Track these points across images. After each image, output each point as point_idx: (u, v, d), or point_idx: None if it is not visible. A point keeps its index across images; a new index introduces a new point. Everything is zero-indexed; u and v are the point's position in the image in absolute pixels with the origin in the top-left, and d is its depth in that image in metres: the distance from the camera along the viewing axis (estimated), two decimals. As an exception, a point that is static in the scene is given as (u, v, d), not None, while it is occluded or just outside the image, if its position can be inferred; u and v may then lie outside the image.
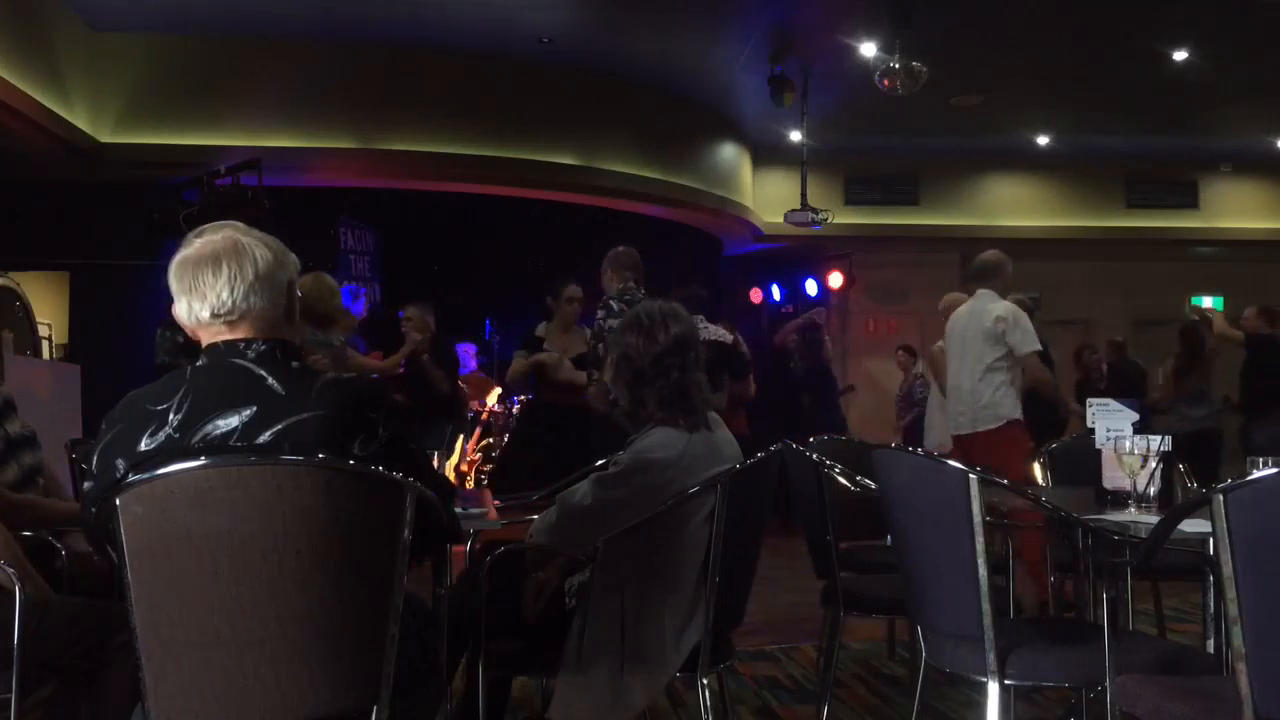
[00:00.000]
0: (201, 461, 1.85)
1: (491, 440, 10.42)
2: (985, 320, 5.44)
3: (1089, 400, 3.27)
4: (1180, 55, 9.20)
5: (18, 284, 6.71)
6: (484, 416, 10.49)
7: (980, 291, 5.57)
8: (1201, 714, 2.01)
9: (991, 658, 2.42)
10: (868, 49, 8.48)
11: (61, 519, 2.84)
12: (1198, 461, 5.52)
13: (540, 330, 6.28)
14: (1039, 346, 5.49)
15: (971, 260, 5.78)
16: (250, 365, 1.99)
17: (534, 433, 6.44)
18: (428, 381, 6.50)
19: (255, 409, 1.93)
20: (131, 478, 1.86)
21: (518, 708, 3.69)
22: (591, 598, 2.65)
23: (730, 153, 11.82)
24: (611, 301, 5.36)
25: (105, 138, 8.65)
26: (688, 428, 2.76)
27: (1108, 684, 2.37)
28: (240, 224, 2.08)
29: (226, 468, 1.85)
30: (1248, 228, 13.15)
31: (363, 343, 7.21)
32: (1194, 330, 8.20)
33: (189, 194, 7.87)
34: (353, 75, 9.21)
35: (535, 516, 2.95)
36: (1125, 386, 8.38)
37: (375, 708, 1.93)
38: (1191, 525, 2.18)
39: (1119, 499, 2.78)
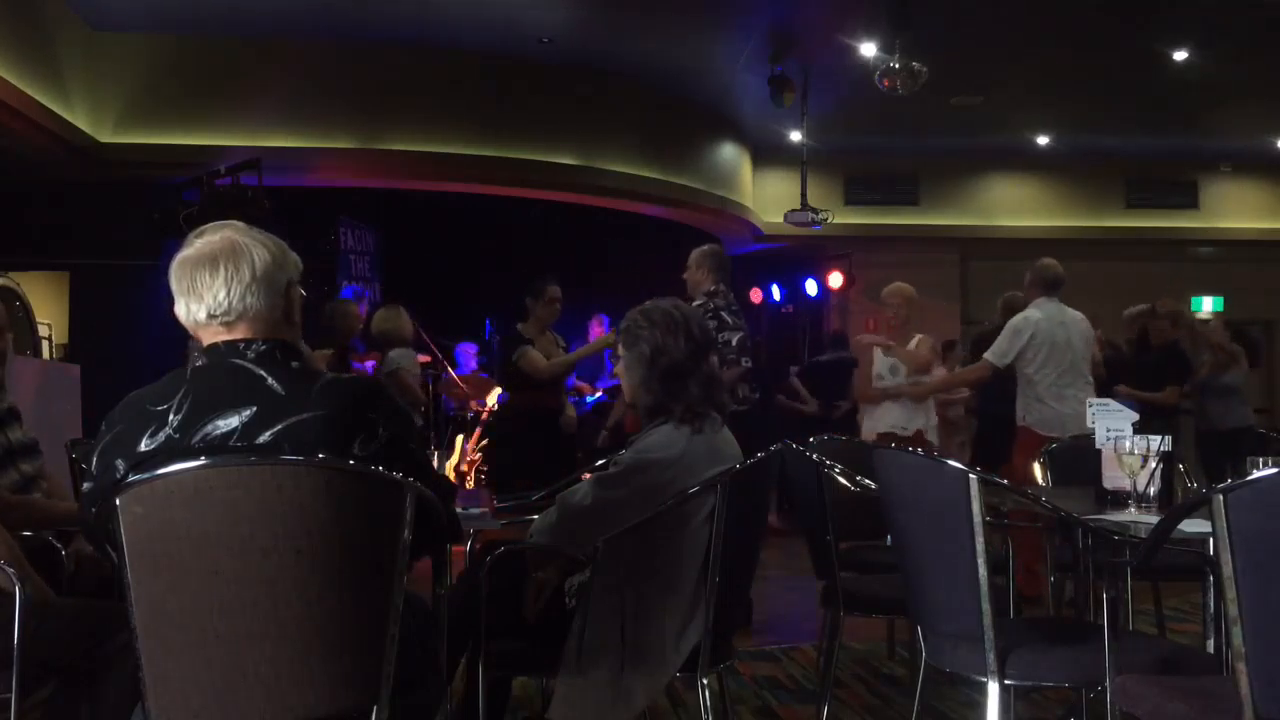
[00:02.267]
0: (201, 461, 1.85)
1: (492, 440, 10.41)
2: (1084, 329, 5.76)
3: (1089, 400, 3.27)
4: (1180, 55, 9.19)
5: (18, 284, 6.71)
6: (484, 416, 10.49)
7: (1051, 299, 5.77)
8: (1201, 714, 2.01)
9: (991, 658, 2.42)
10: (868, 49, 8.47)
11: (60, 519, 2.84)
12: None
13: (522, 329, 6.18)
14: None
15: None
16: (250, 365, 1.99)
17: (511, 434, 6.39)
18: None
19: (255, 409, 1.93)
20: (131, 478, 1.86)
21: (518, 708, 3.69)
22: (591, 598, 2.65)
23: (730, 153, 11.81)
24: (722, 311, 5.21)
25: (105, 138, 8.65)
26: (695, 428, 2.77)
27: (1108, 684, 2.37)
28: (241, 224, 2.08)
29: (226, 468, 1.85)
30: (1247, 228, 13.13)
31: (361, 343, 7.24)
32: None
33: (189, 194, 7.87)
34: (353, 75, 9.20)
35: (535, 516, 2.95)
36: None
37: (375, 708, 1.93)
38: (1191, 525, 2.18)
39: (1119, 499, 2.79)
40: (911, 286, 6.16)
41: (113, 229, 8.62)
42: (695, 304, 5.09)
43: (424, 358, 7.55)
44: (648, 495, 2.67)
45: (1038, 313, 5.74)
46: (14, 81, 7.27)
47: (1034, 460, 5.37)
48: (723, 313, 5.21)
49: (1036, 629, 2.79)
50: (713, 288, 5.30)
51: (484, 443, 10.33)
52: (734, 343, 5.16)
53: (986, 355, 5.76)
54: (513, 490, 3.66)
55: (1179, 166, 12.97)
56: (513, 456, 6.15)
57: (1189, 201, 13.18)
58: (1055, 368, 5.66)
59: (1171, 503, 2.69)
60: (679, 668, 2.66)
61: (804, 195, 10.94)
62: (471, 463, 10.16)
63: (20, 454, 3.01)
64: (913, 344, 6.10)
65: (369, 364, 6.91)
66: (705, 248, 5.49)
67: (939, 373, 5.84)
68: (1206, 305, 13.12)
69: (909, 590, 2.77)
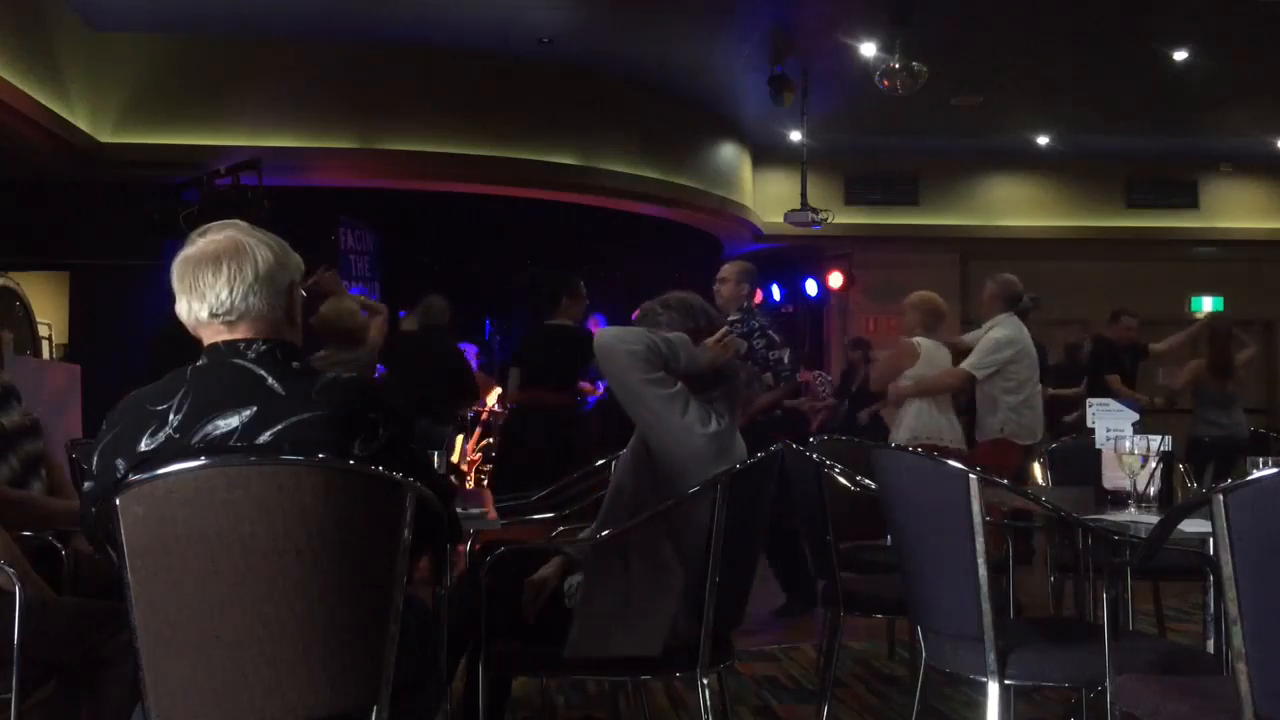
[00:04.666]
0: (201, 461, 1.85)
1: (492, 440, 10.41)
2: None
3: (1089, 400, 3.27)
4: (1180, 55, 9.19)
5: (18, 284, 6.73)
6: (484, 416, 10.49)
7: (1012, 315, 5.79)
8: (1201, 714, 2.01)
9: (991, 658, 2.42)
10: (868, 49, 8.47)
11: (60, 518, 2.83)
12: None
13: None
14: None
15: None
16: (250, 365, 1.99)
17: (524, 434, 6.37)
18: None
19: (255, 409, 1.93)
20: (132, 478, 1.86)
21: (518, 707, 3.69)
22: (588, 597, 2.64)
23: (730, 153, 11.81)
24: (769, 330, 5.29)
25: (105, 138, 8.65)
26: (733, 414, 2.76)
27: (1108, 684, 2.37)
28: (244, 224, 2.08)
29: (226, 468, 1.85)
30: (1248, 228, 13.13)
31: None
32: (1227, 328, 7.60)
33: (189, 194, 7.87)
34: (353, 75, 9.20)
35: (535, 517, 2.95)
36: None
37: (375, 708, 1.93)
38: (1191, 525, 2.18)
39: (1119, 499, 2.79)
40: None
41: (113, 229, 8.62)
42: (732, 319, 5.10)
43: None
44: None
45: (1015, 330, 5.74)
46: (14, 81, 7.27)
47: (1015, 469, 5.39)
48: (769, 331, 5.24)
49: (1036, 629, 2.79)
50: (748, 304, 5.36)
51: (485, 442, 10.35)
52: (786, 359, 5.18)
53: (965, 366, 5.59)
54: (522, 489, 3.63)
55: (1179, 166, 12.96)
56: (528, 456, 6.13)
57: (1189, 201, 13.18)
58: (1030, 383, 5.73)
59: (1171, 503, 2.69)
60: (670, 640, 2.63)
61: (804, 195, 10.94)
62: (471, 463, 10.17)
63: (19, 436, 2.95)
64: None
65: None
66: (742, 263, 5.53)
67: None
68: (1206, 305, 13.12)
69: (909, 590, 2.77)
